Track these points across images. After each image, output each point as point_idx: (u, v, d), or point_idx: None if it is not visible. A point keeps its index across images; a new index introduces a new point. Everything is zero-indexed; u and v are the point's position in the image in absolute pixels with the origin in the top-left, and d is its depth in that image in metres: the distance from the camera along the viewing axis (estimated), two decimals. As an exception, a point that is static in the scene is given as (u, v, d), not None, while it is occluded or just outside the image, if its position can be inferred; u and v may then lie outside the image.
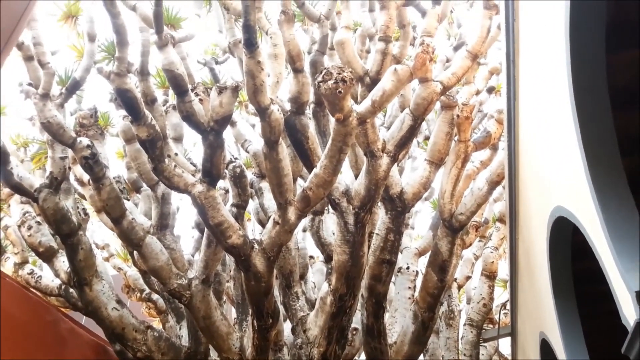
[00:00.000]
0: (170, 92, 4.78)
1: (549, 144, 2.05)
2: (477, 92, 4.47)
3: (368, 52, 4.22)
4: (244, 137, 4.40)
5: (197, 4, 3.70)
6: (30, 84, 3.12)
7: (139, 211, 3.80)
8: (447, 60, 4.39)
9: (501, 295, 5.48)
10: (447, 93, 3.29)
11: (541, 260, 2.67)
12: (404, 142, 3.15)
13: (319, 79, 2.49)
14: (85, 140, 2.84)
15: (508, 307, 4.23)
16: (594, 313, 2.78)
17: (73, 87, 3.52)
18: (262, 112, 2.72)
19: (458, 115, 3.28)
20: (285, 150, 2.96)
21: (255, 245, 2.85)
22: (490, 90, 4.77)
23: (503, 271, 5.17)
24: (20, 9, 0.88)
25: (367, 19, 3.76)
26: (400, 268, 3.72)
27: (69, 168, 3.42)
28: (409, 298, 3.58)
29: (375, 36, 3.63)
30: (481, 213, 4.39)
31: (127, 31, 2.84)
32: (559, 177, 1.97)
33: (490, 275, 4.04)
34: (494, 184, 3.38)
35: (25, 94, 3.07)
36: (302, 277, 3.93)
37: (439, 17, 3.47)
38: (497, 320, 4.70)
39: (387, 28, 3.36)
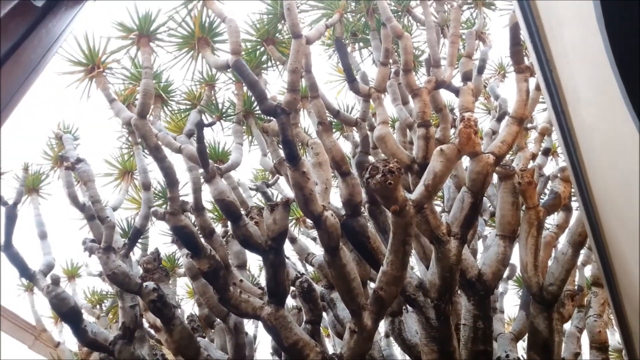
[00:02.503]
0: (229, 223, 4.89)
1: (629, 187, 1.87)
2: (533, 157, 4.31)
3: (411, 143, 4.21)
4: (307, 251, 4.33)
5: (238, 135, 3.84)
6: (93, 241, 3.24)
7: (215, 346, 3.70)
8: (494, 133, 4.30)
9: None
10: (501, 163, 3.18)
11: (656, 319, 2.34)
12: (469, 222, 3.01)
13: (367, 175, 2.45)
14: (150, 284, 2.85)
15: (633, 380, 3.71)
16: None
17: (135, 237, 3.62)
18: (317, 220, 2.67)
19: (520, 183, 3.14)
20: (348, 255, 2.86)
21: (336, 360, 2.68)
22: (546, 152, 4.59)
23: (614, 339, 4.62)
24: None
25: (403, 111, 3.78)
26: (499, 358, 3.38)
27: (141, 315, 3.42)
28: (517, 390, 3.20)
29: (414, 125, 3.63)
30: (572, 280, 4.03)
31: (175, 172, 2.94)
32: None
33: (601, 347, 3.59)
34: (577, 245, 3.12)
35: (89, 250, 3.18)
36: (395, 387, 3.64)
37: (473, 92, 3.45)
38: (625, 398, 4.12)
39: (423, 113, 3.36)
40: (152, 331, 3.99)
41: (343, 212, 3.19)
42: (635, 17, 1.19)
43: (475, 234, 4.05)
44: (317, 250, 4.68)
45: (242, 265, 3.82)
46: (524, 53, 3.45)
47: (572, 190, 3.48)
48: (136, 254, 4.12)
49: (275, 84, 4.77)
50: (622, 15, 1.24)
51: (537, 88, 3.79)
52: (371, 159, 4.02)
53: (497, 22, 4.50)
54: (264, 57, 3.97)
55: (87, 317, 3.38)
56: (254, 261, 5.47)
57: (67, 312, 2.93)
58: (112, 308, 4.45)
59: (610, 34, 1.26)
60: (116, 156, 4.41)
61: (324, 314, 3.78)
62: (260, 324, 2.96)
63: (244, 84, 3.86)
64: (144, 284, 2.88)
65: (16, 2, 0.88)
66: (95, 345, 3.04)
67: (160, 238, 4.80)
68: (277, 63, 3.89)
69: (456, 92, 3.61)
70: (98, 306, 4.58)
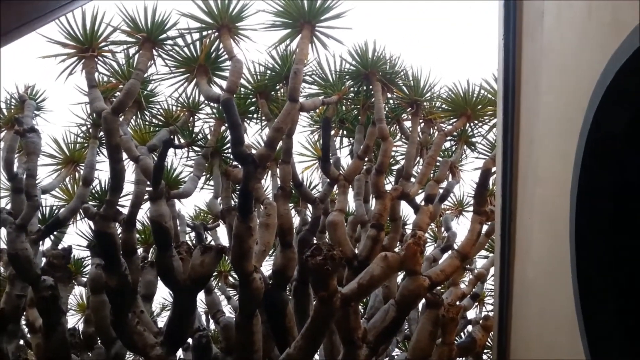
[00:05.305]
0: (151, 250, 4.67)
1: (555, 348, 1.90)
2: (463, 296, 4.37)
3: (357, 240, 4.22)
4: (217, 308, 4.15)
5: (199, 168, 3.78)
6: (10, 214, 3.00)
7: (85, 370, 3.40)
8: (434, 260, 4.37)
9: None
10: (433, 291, 3.20)
11: None
12: (386, 334, 2.97)
13: (308, 253, 2.42)
14: (49, 280, 2.65)
15: None
16: None
17: (54, 226, 3.41)
18: (245, 278, 2.59)
19: (444, 315, 3.15)
20: (260, 324, 2.77)
21: None
22: (475, 297, 4.67)
23: None
24: None
25: (362, 207, 3.83)
26: None
27: (24, 309, 3.14)
28: None
29: (367, 224, 3.66)
30: None
31: (124, 177, 2.84)
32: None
33: None
34: (478, 396, 3.11)
35: (2, 222, 2.94)
36: None
37: (431, 215, 3.54)
38: None
39: (380, 216, 3.40)
40: (27, 330, 3.65)
41: (270, 281, 3.12)
42: (608, 188, 1.25)
43: (386, 350, 3.99)
44: (227, 311, 4.50)
45: (149, 297, 3.61)
46: (487, 199, 3.59)
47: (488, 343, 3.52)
48: (46, 245, 3.86)
49: (252, 137, 4.74)
50: (595, 187, 1.30)
51: (487, 235, 3.91)
52: (315, 241, 3.99)
53: (471, 162, 4.71)
54: (252, 108, 4.01)
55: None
56: (158, 298, 5.19)
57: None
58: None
59: (579, 202, 1.32)
60: (67, 142, 4.23)
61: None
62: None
63: (224, 124, 3.86)
64: (43, 277, 2.67)
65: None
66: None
67: (76, 239, 4.52)
68: (263, 117, 3.92)
69: (416, 209, 3.69)
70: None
